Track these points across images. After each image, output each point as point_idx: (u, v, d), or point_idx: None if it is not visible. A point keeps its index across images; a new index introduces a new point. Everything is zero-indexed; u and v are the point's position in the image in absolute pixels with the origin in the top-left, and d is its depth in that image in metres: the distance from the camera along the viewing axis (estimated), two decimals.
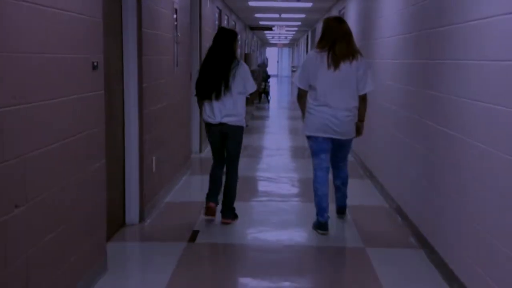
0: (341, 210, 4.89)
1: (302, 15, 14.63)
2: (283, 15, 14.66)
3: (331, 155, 4.54)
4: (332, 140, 4.45)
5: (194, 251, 4.13)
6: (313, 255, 4.21)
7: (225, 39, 4.58)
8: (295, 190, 6.23)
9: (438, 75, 3.97)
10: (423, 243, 4.16)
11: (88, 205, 3.36)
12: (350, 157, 6.96)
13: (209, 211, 4.68)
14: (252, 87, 4.62)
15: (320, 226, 4.45)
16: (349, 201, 5.02)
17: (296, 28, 20.97)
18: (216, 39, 4.65)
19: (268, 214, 5.14)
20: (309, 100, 4.46)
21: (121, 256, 4.02)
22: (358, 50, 4.46)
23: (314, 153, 4.50)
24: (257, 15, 14.87)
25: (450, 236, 3.62)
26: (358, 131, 4.60)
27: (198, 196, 5.67)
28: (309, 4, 11.95)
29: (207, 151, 8.33)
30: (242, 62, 4.67)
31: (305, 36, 23.65)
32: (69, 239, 3.07)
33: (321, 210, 4.44)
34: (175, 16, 5.95)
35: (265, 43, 38.36)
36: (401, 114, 5.07)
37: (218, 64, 4.52)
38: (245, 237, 4.51)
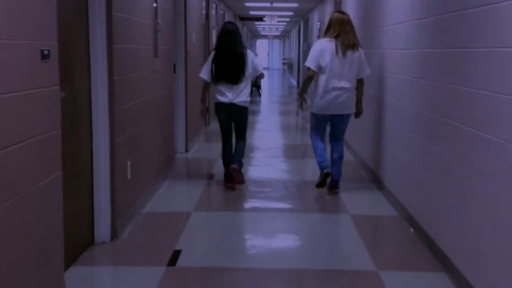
0: (336, 184, 5.38)
1: (295, 4, 13.93)
2: (275, 4, 13.95)
3: (331, 130, 5.37)
4: (335, 116, 5.21)
5: (175, 277, 3.46)
6: (317, 282, 3.55)
7: (235, 31, 5.36)
8: (289, 199, 5.56)
9: (465, 66, 3.31)
10: (445, 263, 3.52)
11: (38, 228, 2.68)
12: (354, 162, 6.34)
13: (232, 178, 5.33)
14: (260, 69, 5.45)
15: (326, 174, 5.19)
16: (356, 211, 4.64)
17: (287, 19, 20.26)
18: (226, 31, 5.35)
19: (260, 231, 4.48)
20: (318, 82, 5.16)
21: (87, 284, 3.35)
22: (358, 40, 5.19)
23: (315, 127, 5.36)
24: (247, 4, 14.15)
25: (478, 258, 2.97)
26: (358, 112, 5.37)
27: (181, 205, 5.00)
28: None
29: (194, 151, 7.64)
30: (248, 49, 5.37)
31: (297, 28, 22.93)
32: (14, 272, 2.39)
33: (322, 161, 5.23)
34: (155, 0, 5.25)
35: (256, 35, 37.61)
36: (415, 113, 4.41)
37: (235, 54, 5.23)
38: (237, 257, 3.83)
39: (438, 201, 3.77)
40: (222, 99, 5.29)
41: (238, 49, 5.26)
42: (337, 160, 5.33)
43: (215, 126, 10.47)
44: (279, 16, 18.31)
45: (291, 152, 7.84)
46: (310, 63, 5.12)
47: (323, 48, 5.07)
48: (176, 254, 3.73)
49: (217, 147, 8.08)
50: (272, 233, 4.30)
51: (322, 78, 5.10)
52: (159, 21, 5.41)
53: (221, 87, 5.28)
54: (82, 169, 3.73)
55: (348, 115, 5.29)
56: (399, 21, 4.95)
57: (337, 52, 5.04)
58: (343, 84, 5.11)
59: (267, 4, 13.90)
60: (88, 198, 3.86)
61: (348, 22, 5.11)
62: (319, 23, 13.08)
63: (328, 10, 11.12)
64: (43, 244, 2.75)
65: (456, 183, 3.43)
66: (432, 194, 3.92)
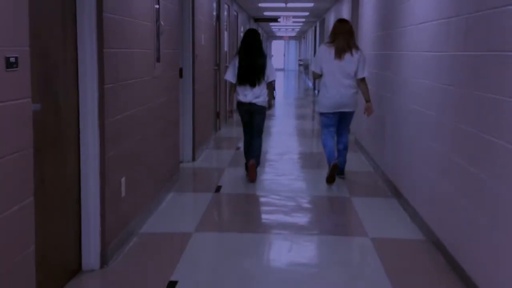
0: (342, 171, 6.05)
1: (310, 4, 13.46)
2: (290, 4, 13.49)
3: (336, 126, 5.95)
4: (339, 113, 5.85)
5: None
6: None
7: (257, 38, 5.99)
8: (303, 217, 5.11)
9: (501, 71, 2.84)
10: None
11: (6, 263, 2.28)
12: (373, 173, 5.94)
13: (251, 171, 5.89)
14: (274, 76, 6.03)
15: (332, 168, 5.71)
16: (377, 233, 4.28)
17: (303, 20, 19.78)
18: (249, 38, 5.98)
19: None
20: (321, 84, 5.87)
21: None
22: (356, 44, 5.89)
23: (324, 125, 5.96)
24: (261, 5, 13.72)
25: None
26: (369, 110, 5.92)
27: (183, 223, 4.57)
28: None
29: (202, 159, 7.22)
30: (267, 56, 6.04)
31: (313, 28, 22.44)
32: None
33: (330, 155, 5.81)
34: (156, 1, 4.83)
35: (271, 36, 37.13)
36: (444, 124, 3.94)
37: (256, 60, 5.90)
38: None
39: (473, 226, 3.30)
40: (243, 99, 5.95)
41: (259, 56, 5.94)
42: (342, 151, 6.04)
43: (225, 131, 10.10)
44: (294, 17, 17.85)
45: (307, 161, 7.39)
46: (314, 67, 6.02)
47: (324, 53, 5.82)
48: (171, 287, 3.29)
49: (227, 155, 7.68)
50: (283, 260, 3.85)
51: (326, 80, 5.82)
52: (162, 23, 5.00)
53: (242, 89, 5.93)
54: (68, 189, 3.32)
55: (350, 113, 5.92)
56: (424, 20, 4.48)
57: (335, 55, 5.74)
58: (344, 84, 5.76)
59: (282, 4, 13.45)
60: (75, 221, 3.45)
61: (346, 29, 5.82)
62: None
63: (344, 10, 10.65)
64: (15, 279, 2.34)
65: (497, 209, 2.96)
66: (465, 217, 3.45)
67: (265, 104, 5.98)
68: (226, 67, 10.92)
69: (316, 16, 17.86)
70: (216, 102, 9.57)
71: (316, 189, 5.89)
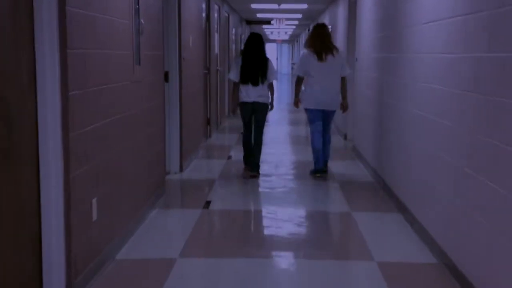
0: (324, 163, 6.31)
1: (304, 6, 12.99)
2: (283, 6, 13.02)
3: (322, 121, 6.26)
4: (322, 111, 6.17)
5: None
6: None
7: (260, 41, 6.27)
8: (301, 239, 4.61)
9: None
10: None
11: None
12: (375, 184, 5.46)
13: (247, 175, 6.21)
14: (274, 78, 6.31)
15: (317, 171, 6.19)
16: (384, 256, 3.82)
17: (296, 22, 19.33)
18: (252, 41, 6.26)
19: None
20: (307, 84, 6.20)
21: None
22: (335, 46, 6.25)
23: (311, 121, 6.24)
24: (254, 6, 13.23)
25: None
26: (345, 107, 6.37)
27: (166, 247, 4.03)
28: None
29: (190, 170, 6.70)
30: (269, 59, 6.32)
31: (307, 31, 21.99)
32: None
33: (318, 160, 6.19)
34: None
35: (264, 40, 36.67)
36: (460, 135, 3.45)
37: (259, 62, 6.19)
38: None
39: (493, 249, 2.80)
40: (246, 99, 6.22)
41: (262, 58, 6.25)
42: (326, 145, 6.34)
43: (217, 138, 9.58)
44: (287, 19, 17.38)
45: (301, 172, 6.89)
46: (297, 71, 6.39)
47: (307, 57, 6.18)
48: None
49: (218, 165, 7.16)
50: None
51: (311, 81, 6.18)
52: (142, 21, 4.49)
53: (245, 88, 6.20)
54: (24, 217, 2.80)
55: (332, 111, 6.28)
56: (435, 18, 3.99)
57: (318, 58, 6.11)
58: (329, 84, 6.14)
59: (275, 6, 12.97)
60: (35, 252, 2.93)
61: (324, 33, 6.23)
62: (330, 26, 12.12)
63: (341, 11, 10.18)
64: None
65: None
66: (484, 239, 2.96)
67: (267, 101, 6.30)
68: (217, 70, 10.43)
69: (310, 19, 17.41)
70: (207, 108, 9.06)
71: (313, 203, 5.40)
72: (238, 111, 6.41)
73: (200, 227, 4.56)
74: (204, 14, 8.63)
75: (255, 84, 6.17)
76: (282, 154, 8.03)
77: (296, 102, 6.52)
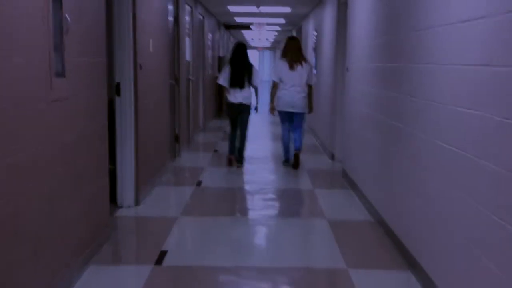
0: (297, 152, 7.39)
1: (287, 9, 11.87)
2: (263, 9, 11.87)
3: (290, 123, 7.47)
4: (290, 113, 7.35)
5: None
6: None
7: (245, 50, 7.28)
8: None
9: None
10: None
11: None
12: (373, 223, 4.11)
13: (230, 162, 7.42)
14: (257, 83, 7.31)
15: (286, 161, 7.58)
16: None
17: (278, 28, 18.21)
18: (238, 50, 7.27)
19: None
20: (279, 88, 7.31)
21: None
22: (305, 57, 7.39)
23: (281, 121, 7.53)
24: (231, 8, 12.05)
25: None
26: (310, 110, 7.48)
27: None
28: None
29: (150, 201, 5.50)
30: (253, 65, 7.30)
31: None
32: None
33: (287, 152, 7.58)
34: None
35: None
36: (496, 171, 2.32)
37: (245, 68, 7.22)
38: None
39: None
40: (233, 100, 7.22)
41: (246, 64, 7.22)
42: (296, 140, 7.38)
43: (187, 158, 8.30)
44: (268, 24, 16.24)
45: (284, 203, 5.72)
46: (273, 77, 7.33)
47: (280, 65, 7.26)
48: None
49: (184, 194, 5.96)
50: None
51: (282, 86, 7.23)
52: (67, 17, 3.30)
53: (233, 91, 7.20)
54: None
55: (300, 114, 7.30)
56: (474, 15, 2.87)
57: (289, 67, 7.15)
58: (296, 90, 7.17)
59: (254, 8, 11.82)
60: None
61: (296, 46, 7.27)
62: (315, 32, 11.01)
63: (328, 15, 9.06)
64: None
65: None
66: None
67: (250, 104, 7.31)
68: (189, 79, 9.25)
69: (293, 24, 16.32)
70: (174, 123, 7.87)
71: (304, 257, 4.24)
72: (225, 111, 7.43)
73: None
74: (170, 19, 7.45)
75: (242, 87, 7.20)
76: (264, 178, 6.87)
77: (272, 109, 7.45)
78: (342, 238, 4.50)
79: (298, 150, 7.39)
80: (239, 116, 7.29)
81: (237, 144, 7.44)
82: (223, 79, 7.23)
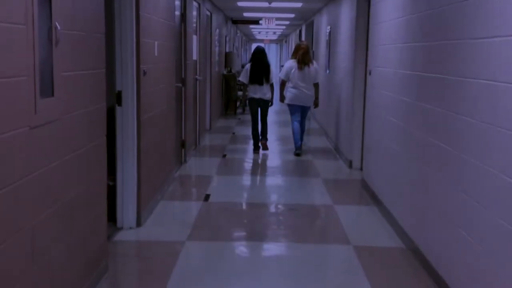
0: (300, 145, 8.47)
1: (298, 4, 11.30)
2: (274, 4, 11.30)
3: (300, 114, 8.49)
4: (300, 106, 8.38)
5: None
6: None
7: (264, 53, 8.56)
8: None
9: None
10: None
11: None
12: (403, 249, 3.60)
13: (263, 147, 8.65)
14: (271, 80, 8.52)
15: (297, 149, 8.38)
16: None
17: (287, 22, 17.60)
18: (258, 53, 8.56)
19: None
20: (289, 85, 8.36)
21: None
22: (312, 60, 8.55)
23: (292, 113, 8.48)
24: (240, 4, 11.49)
25: None
26: (316, 104, 8.67)
27: None
28: None
29: (152, 221, 4.98)
30: (271, 65, 8.58)
31: (297, 32, 20.30)
32: None
33: (296, 142, 8.39)
34: None
35: (251, 39, 34.92)
36: None
37: (264, 67, 8.44)
38: None
39: None
40: (254, 95, 8.44)
41: (265, 64, 8.43)
42: (302, 131, 8.49)
43: (194, 164, 7.75)
44: (277, 19, 15.66)
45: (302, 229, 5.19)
46: (283, 76, 8.40)
47: (291, 66, 8.33)
48: None
49: (191, 210, 5.43)
50: None
51: (291, 83, 8.29)
52: (58, 25, 2.77)
53: (253, 88, 8.40)
54: None
55: (308, 107, 8.48)
56: None
57: (298, 67, 8.24)
58: (303, 86, 8.24)
59: (265, 4, 11.25)
60: None
61: (305, 48, 8.35)
62: (329, 27, 10.44)
63: (345, 11, 8.47)
64: None
65: None
66: None
67: (269, 98, 8.48)
68: (196, 80, 8.72)
69: (303, 19, 15.72)
70: (181, 129, 7.34)
71: (323, 279, 3.72)
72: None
73: None
74: (178, 13, 6.91)
75: (261, 84, 8.37)
76: (272, 193, 6.33)
77: (282, 99, 8.61)
78: (371, 268, 3.97)
79: (301, 140, 8.59)
80: (260, 108, 8.48)
81: (259, 129, 8.59)
82: (244, 77, 8.40)
